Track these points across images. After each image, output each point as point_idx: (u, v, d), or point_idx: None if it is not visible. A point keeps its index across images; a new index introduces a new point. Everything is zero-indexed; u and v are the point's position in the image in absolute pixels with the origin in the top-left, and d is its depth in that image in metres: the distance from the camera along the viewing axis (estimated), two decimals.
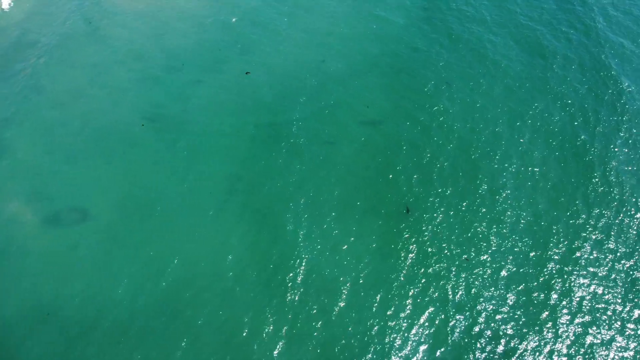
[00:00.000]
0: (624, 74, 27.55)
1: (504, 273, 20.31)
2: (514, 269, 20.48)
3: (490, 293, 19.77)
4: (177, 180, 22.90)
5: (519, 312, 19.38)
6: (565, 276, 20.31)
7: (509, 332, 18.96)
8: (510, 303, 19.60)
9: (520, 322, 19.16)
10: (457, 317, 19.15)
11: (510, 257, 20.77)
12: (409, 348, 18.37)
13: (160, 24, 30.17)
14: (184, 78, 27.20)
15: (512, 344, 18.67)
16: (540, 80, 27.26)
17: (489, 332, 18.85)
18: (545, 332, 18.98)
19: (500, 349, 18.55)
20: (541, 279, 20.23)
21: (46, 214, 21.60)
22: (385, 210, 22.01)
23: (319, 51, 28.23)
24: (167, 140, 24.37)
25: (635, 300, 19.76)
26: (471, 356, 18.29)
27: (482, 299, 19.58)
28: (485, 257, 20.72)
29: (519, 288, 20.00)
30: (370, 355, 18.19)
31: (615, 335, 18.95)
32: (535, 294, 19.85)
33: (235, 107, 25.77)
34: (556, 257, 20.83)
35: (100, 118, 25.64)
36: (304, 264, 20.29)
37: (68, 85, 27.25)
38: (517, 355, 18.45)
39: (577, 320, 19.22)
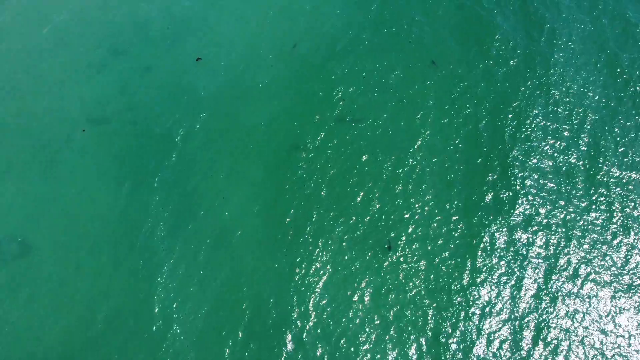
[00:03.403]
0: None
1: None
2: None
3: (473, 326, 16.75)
4: (120, 201, 19.70)
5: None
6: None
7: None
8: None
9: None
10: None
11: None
12: None
13: None
14: (130, 64, 23.15)
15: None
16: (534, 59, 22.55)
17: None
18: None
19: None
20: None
21: None
22: (362, 241, 18.52)
23: (288, 28, 23.49)
24: (113, 149, 20.95)
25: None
26: None
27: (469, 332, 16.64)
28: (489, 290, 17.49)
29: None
30: None
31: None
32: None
33: (188, 102, 21.88)
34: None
35: (40, 120, 22.14)
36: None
37: None
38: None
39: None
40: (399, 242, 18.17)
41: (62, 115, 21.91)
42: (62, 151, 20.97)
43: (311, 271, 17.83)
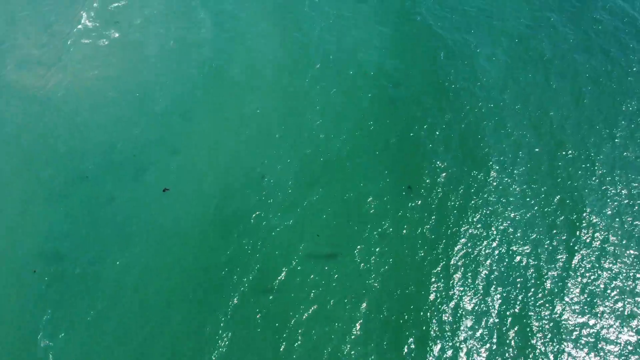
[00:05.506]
0: None
1: None
2: None
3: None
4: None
5: None
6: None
7: None
8: None
9: None
10: None
11: None
12: None
13: (69, 113, 25.12)
14: (92, 193, 22.32)
15: None
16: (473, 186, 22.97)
17: None
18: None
19: None
20: None
21: None
22: None
23: (259, 156, 23.45)
24: (66, 297, 19.53)
25: None
26: None
27: None
28: None
29: None
30: None
31: None
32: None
33: (150, 237, 20.96)
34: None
35: None
36: None
37: None
38: None
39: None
40: None
41: (14, 253, 20.61)
42: (12, 295, 19.43)
43: None
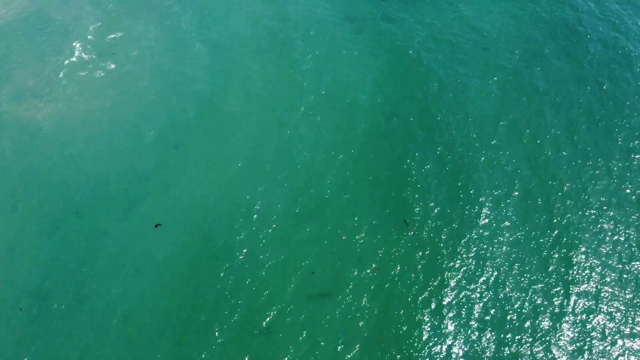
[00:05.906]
0: None
1: None
2: None
3: None
4: None
5: None
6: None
7: None
8: None
9: None
10: None
11: None
12: None
13: (63, 144, 25.01)
14: (83, 228, 22.11)
15: None
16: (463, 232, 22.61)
17: None
18: None
19: None
20: None
21: None
22: None
23: (250, 190, 23.44)
24: (51, 335, 19.07)
25: None
26: None
27: None
28: None
29: None
30: None
31: None
32: None
33: (140, 275, 20.58)
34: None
35: None
36: None
37: None
38: None
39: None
40: None
41: (3, 289, 20.33)
42: None
43: None
